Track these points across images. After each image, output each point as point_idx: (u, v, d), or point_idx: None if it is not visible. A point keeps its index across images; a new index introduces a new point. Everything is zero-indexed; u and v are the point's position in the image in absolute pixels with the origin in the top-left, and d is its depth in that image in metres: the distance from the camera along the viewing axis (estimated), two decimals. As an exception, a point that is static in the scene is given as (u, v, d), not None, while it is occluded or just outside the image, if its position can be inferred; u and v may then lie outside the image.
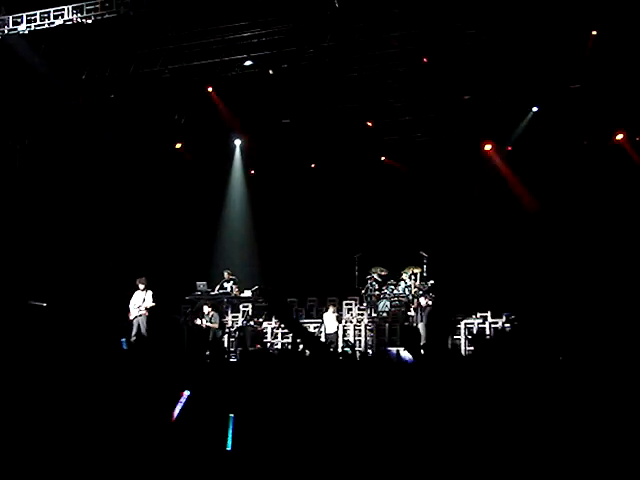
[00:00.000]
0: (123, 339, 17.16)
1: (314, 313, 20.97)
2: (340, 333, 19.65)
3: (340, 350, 17.33)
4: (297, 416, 4.28)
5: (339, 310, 20.40)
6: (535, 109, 19.81)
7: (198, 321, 19.21)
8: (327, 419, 4.21)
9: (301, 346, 7.78)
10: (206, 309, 19.26)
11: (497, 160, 21.12)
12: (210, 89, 20.24)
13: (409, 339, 5.95)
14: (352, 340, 19.59)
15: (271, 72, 18.77)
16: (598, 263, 18.63)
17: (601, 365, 4.97)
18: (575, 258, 19.00)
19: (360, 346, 19.56)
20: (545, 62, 17.56)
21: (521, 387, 4.16)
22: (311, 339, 5.50)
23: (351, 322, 20.20)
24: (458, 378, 4.44)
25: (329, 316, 19.38)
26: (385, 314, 19.95)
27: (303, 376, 4.84)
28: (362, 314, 20.48)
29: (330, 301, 20.15)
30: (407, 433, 3.92)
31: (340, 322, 19.76)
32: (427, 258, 19.84)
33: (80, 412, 4.75)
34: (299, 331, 5.53)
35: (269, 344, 19.74)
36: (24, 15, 17.31)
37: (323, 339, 19.21)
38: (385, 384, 4.57)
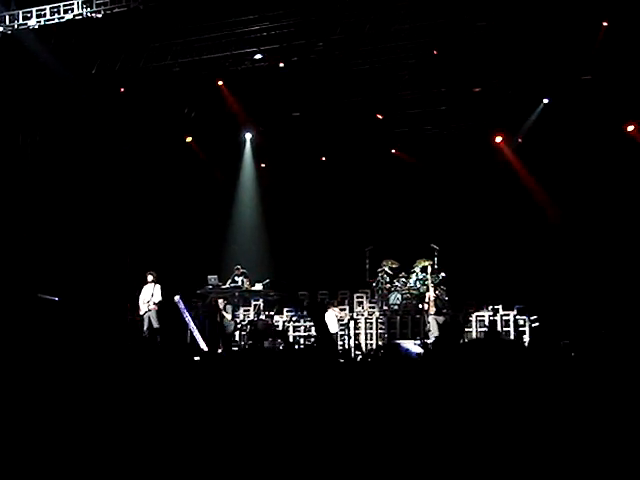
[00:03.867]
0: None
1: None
2: (351, 329, 19.59)
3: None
4: (295, 413, 4.27)
5: (348, 307, 20.22)
6: (546, 101, 19.71)
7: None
8: (327, 415, 4.21)
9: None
10: (221, 302, 19.36)
11: (508, 152, 21.02)
12: (220, 83, 20.22)
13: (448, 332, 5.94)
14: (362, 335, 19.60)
15: (281, 65, 18.74)
16: (609, 255, 18.56)
17: (613, 361, 4.93)
18: (586, 250, 18.92)
19: (371, 339, 19.53)
20: (556, 53, 17.45)
21: (531, 386, 4.13)
22: (331, 342, 5.57)
23: (362, 315, 20.14)
24: (465, 375, 4.43)
25: (329, 316, 19.09)
26: (396, 307, 19.94)
27: (304, 374, 4.84)
28: (373, 307, 20.44)
29: (329, 302, 19.94)
30: (410, 430, 3.91)
31: (343, 321, 19.53)
32: (438, 251, 19.81)
33: (88, 408, 4.75)
34: (325, 336, 5.57)
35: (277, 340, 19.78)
36: (34, 10, 17.32)
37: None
38: (391, 380, 4.57)
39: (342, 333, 19.31)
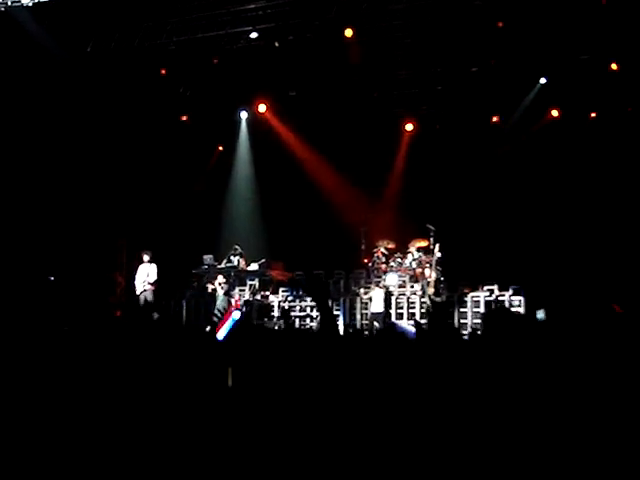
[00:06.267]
0: None
1: (321, 286, 20.84)
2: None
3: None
4: (293, 395, 4.27)
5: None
6: (543, 81, 19.64)
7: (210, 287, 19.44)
8: (324, 396, 4.20)
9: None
10: (220, 278, 19.41)
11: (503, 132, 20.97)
12: (216, 61, 20.09)
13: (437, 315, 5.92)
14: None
15: (277, 44, 18.65)
16: (606, 235, 18.55)
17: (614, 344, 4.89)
18: (582, 230, 18.91)
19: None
20: (554, 33, 17.37)
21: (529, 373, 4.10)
22: (331, 320, 5.50)
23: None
24: (460, 358, 4.41)
25: (377, 295, 18.99)
26: (393, 287, 19.92)
27: (304, 353, 4.83)
28: (369, 287, 20.41)
29: (376, 282, 19.68)
30: (407, 414, 3.90)
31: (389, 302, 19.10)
32: (434, 231, 19.78)
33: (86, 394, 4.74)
34: (326, 312, 5.51)
35: (275, 318, 19.81)
36: (28, -13, 17.20)
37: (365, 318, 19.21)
38: (388, 362, 4.56)
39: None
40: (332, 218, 21.61)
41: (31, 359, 5.22)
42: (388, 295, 18.89)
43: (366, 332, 16.19)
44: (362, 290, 19.78)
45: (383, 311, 18.51)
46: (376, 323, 18.22)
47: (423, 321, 16.68)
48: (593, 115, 19.79)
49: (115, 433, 4.38)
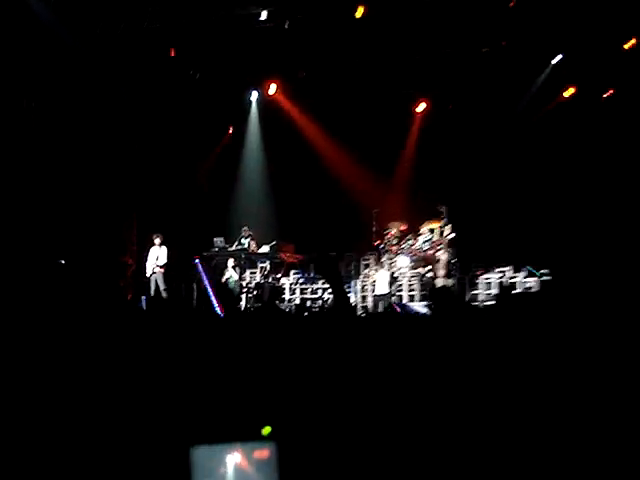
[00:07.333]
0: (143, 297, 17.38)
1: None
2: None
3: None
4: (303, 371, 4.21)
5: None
6: (555, 60, 19.48)
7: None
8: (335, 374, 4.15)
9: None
10: (230, 262, 19.38)
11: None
12: (225, 43, 19.95)
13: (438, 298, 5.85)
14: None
15: (287, 26, 18.50)
16: (622, 218, 18.40)
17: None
18: (598, 212, 18.77)
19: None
20: (566, 12, 17.18)
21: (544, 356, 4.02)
22: (344, 299, 5.45)
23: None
24: (471, 336, 4.35)
25: (381, 276, 19.00)
26: (404, 269, 19.86)
27: (316, 333, 4.78)
28: (375, 270, 20.34)
29: (381, 263, 19.59)
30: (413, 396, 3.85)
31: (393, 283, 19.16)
32: (446, 212, 19.69)
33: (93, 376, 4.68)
34: (340, 291, 5.44)
35: (287, 300, 19.76)
36: (35, -31, 17.07)
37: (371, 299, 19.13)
38: (397, 340, 4.50)
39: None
40: (343, 200, 21.55)
41: (42, 342, 5.18)
42: (392, 276, 18.84)
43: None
44: (370, 272, 19.73)
45: (388, 292, 18.45)
46: (380, 305, 18.17)
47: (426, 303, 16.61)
48: (608, 94, 19.57)
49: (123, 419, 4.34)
